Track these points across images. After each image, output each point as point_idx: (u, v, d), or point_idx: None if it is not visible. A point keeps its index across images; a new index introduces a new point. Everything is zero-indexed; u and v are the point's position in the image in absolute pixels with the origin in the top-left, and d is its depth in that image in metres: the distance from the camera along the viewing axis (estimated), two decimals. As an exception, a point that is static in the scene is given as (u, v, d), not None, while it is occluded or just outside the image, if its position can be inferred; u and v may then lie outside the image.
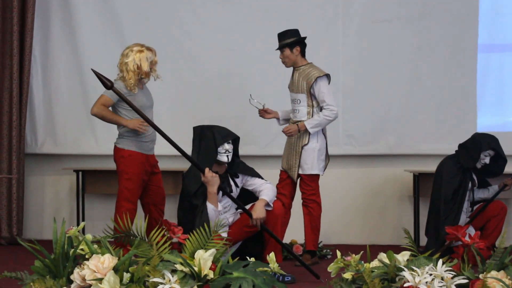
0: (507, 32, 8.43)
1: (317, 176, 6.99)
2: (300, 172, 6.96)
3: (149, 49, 6.55)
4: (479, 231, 6.42)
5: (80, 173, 8.32)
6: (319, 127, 6.87)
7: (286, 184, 7.01)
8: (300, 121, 6.88)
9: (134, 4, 8.46)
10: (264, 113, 7.06)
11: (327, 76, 6.95)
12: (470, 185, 6.92)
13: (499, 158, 6.95)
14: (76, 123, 8.52)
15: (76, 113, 8.47)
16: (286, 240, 7.06)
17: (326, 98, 6.83)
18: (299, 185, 7.05)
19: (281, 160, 7.16)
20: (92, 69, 5.25)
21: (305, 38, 6.98)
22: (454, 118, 8.33)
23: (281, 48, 6.94)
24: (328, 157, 7.11)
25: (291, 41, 6.90)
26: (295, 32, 6.96)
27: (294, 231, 7.46)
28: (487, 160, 6.89)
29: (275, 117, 7.17)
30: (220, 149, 6.03)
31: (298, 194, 7.09)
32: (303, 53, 6.99)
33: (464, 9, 8.31)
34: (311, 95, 6.88)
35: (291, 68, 7.05)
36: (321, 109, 6.87)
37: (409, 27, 8.33)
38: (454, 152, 7.07)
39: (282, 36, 6.95)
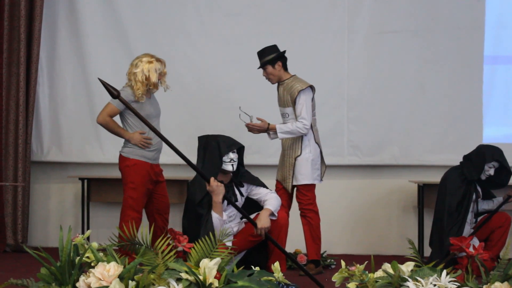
0: (512, 44, 8.47)
1: (312, 186, 7.01)
2: (295, 183, 6.98)
3: (158, 60, 6.58)
4: (483, 242, 6.42)
5: (86, 181, 8.34)
6: (288, 135, 6.89)
7: (282, 194, 7.01)
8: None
9: (140, 15, 8.50)
10: (252, 127, 7.04)
11: (311, 87, 6.96)
12: (474, 196, 6.92)
13: (504, 169, 6.95)
14: (81, 131, 8.55)
15: (81, 121, 8.50)
16: (289, 249, 7.07)
17: (302, 111, 6.84)
18: (295, 196, 7.07)
19: (276, 172, 7.18)
20: (98, 78, 5.27)
21: (284, 52, 6.99)
22: (459, 129, 8.34)
23: (262, 66, 6.96)
24: (324, 165, 7.12)
25: (272, 58, 6.92)
26: (274, 48, 6.98)
27: (298, 241, 7.47)
28: (491, 172, 6.89)
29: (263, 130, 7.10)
30: (225, 158, 6.05)
31: (295, 204, 7.10)
32: (285, 67, 7.02)
33: (470, 21, 8.33)
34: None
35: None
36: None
37: (415, 39, 8.36)
38: (459, 164, 7.07)
39: (261, 54, 6.97)
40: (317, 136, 7.05)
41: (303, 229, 7.03)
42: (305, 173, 6.94)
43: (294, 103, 6.89)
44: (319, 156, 7.05)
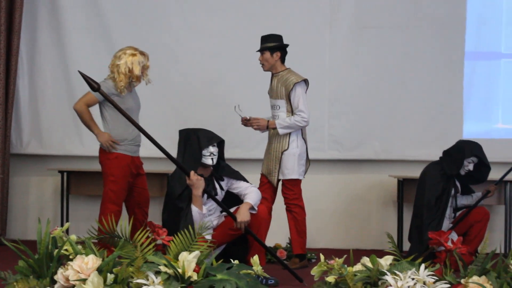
0: (493, 40, 8.49)
1: (298, 181, 7.02)
2: (281, 177, 6.99)
3: (142, 53, 6.58)
4: (462, 237, 6.46)
5: (65, 174, 8.31)
6: (288, 129, 6.90)
7: (267, 188, 7.03)
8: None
9: (122, 8, 8.46)
10: (246, 122, 7.04)
11: (305, 81, 6.97)
12: (453, 191, 6.96)
13: (483, 165, 6.99)
14: (61, 124, 8.51)
15: (61, 114, 8.46)
16: (270, 243, 7.08)
17: (300, 104, 6.85)
18: (281, 191, 7.07)
19: (262, 165, 7.18)
20: (79, 71, 5.24)
21: (287, 45, 7.00)
22: (440, 125, 8.37)
23: (262, 50, 6.97)
24: (308, 161, 7.13)
25: (273, 45, 6.93)
26: (278, 38, 6.98)
27: (278, 235, 7.48)
28: (470, 167, 6.93)
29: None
30: (204, 152, 6.05)
31: (280, 198, 7.10)
32: (282, 60, 7.01)
33: (451, 17, 8.35)
34: (290, 101, 6.91)
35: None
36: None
37: (396, 34, 8.38)
38: (438, 159, 7.10)
39: (265, 39, 6.97)
40: (304, 132, 7.06)
41: (288, 223, 7.03)
42: (291, 168, 6.95)
43: (288, 96, 6.89)
44: (305, 152, 7.06)
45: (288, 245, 7.50)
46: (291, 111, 6.91)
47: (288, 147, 6.94)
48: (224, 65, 8.37)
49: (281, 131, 6.89)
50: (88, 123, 6.55)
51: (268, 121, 6.95)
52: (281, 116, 6.94)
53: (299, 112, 6.85)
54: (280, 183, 7.05)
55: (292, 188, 6.99)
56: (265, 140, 7.35)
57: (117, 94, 6.42)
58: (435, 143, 8.12)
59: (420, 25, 8.37)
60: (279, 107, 6.96)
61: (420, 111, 8.39)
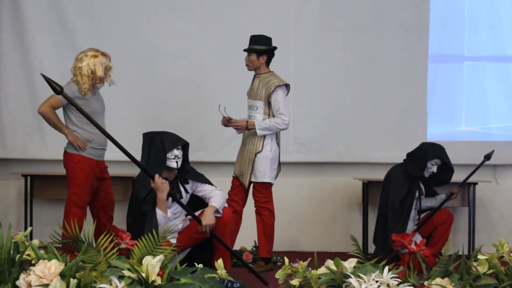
0: (456, 43, 8.56)
1: (269, 184, 7.03)
2: (253, 179, 6.99)
3: (103, 54, 6.54)
4: (425, 239, 6.49)
5: (29, 178, 8.23)
6: (267, 131, 6.91)
7: (239, 191, 7.04)
8: None
9: (86, 10, 8.41)
10: (226, 122, 7.04)
11: (287, 86, 6.99)
12: (417, 193, 7.00)
13: (446, 167, 7.04)
14: (25, 127, 8.43)
15: (25, 117, 8.38)
16: (236, 246, 7.07)
17: (280, 107, 6.88)
18: (252, 193, 7.07)
19: (234, 166, 7.17)
20: (41, 74, 5.18)
21: (275, 48, 7.01)
22: (404, 127, 8.43)
23: (249, 51, 6.97)
24: (279, 166, 7.14)
25: (261, 49, 6.93)
26: (267, 40, 6.98)
27: (244, 239, 7.48)
28: (434, 169, 6.97)
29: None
30: (169, 155, 6.02)
31: (250, 201, 7.10)
32: (268, 62, 7.03)
33: (415, 20, 8.43)
34: (269, 103, 6.92)
35: (249, 75, 7.08)
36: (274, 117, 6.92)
37: (360, 37, 8.43)
38: (402, 161, 7.14)
39: (254, 40, 6.97)
40: (278, 137, 7.07)
41: (256, 226, 7.04)
42: (263, 171, 6.96)
43: (267, 98, 6.90)
44: (278, 156, 7.07)
45: (254, 248, 7.50)
46: (268, 113, 6.93)
47: (262, 149, 6.94)
48: (189, 67, 8.37)
49: (259, 132, 6.89)
50: (56, 125, 6.49)
51: (247, 121, 6.95)
52: (257, 118, 6.94)
53: (280, 114, 6.87)
54: (252, 185, 7.05)
55: (263, 191, 7.00)
56: (230, 143, 7.34)
57: (81, 97, 6.38)
58: (399, 145, 8.16)
59: (384, 28, 8.43)
60: (257, 108, 6.96)
61: (384, 113, 8.45)
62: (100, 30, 8.36)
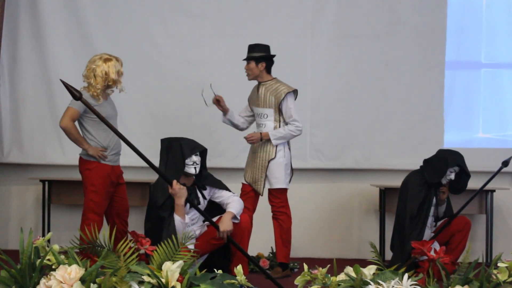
0: (473, 49, 8.54)
1: (285, 189, 7.04)
2: (268, 186, 7.01)
3: (116, 59, 6.57)
4: (444, 246, 6.48)
5: (46, 183, 8.26)
6: (282, 140, 6.93)
7: (249, 198, 7.04)
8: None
9: (103, 16, 8.45)
10: (217, 102, 7.06)
11: (295, 91, 7.00)
12: (434, 200, 6.98)
13: (463, 174, 7.01)
14: (43, 133, 8.47)
15: (43, 123, 8.43)
16: (252, 252, 7.07)
17: (293, 113, 6.90)
18: (268, 199, 7.08)
19: (244, 174, 7.18)
20: (60, 80, 5.20)
21: (274, 56, 7.02)
22: (421, 134, 8.41)
23: (247, 59, 6.98)
24: (292, 170, 7.15)
25: (259, 56, 6.94)
26: (265, 48, 7.00)
27: (261, 245, 7.48)
28: (452, 176, 6.94)
29: (223, 111, 7.17)
30: (187, 161, 6.03)
31: (267, 207, 7.11)
32: (268, 69, 7.04)
33: (432, 26, 8.41)
34: (279, 110, 6.93)
35: (255, 82, 7.10)
36: (286, 124, 6.94)
37: (377, 43, 8.42)
38: (419, 167, 7.11)
39: (252, 48, 7.00)
40: (289, 141, 7.08)
41: (274, 231, 7.05)
42: (279, 177, 6.97)
43: (278, 105, 6.91)
44: (290, 161, 7.09)
45: (271, 255, 7.50)
46: (279, 120, 6.94)
47: (275, 156, 6.96)
48: (205, 74, 8.35)
49: (274, 142, 6.91)
50: (77, 139, 6.47)
51: (260, 133, 6.96)
52: (268, 125, 6.96)
53: (293, 121, 6.89)
54: (266, 191, 7.06)
55: (279, 196, 7.01)
56: (246, 150, 7.34)
57: (94, 103, 6.39)
58: (416, 152, 8.16)
59: (401, 34, 8.42)
60: (267, 116, 6.98)
61: (401, 120, 8.43)
62: (117, 37, 8.40)
